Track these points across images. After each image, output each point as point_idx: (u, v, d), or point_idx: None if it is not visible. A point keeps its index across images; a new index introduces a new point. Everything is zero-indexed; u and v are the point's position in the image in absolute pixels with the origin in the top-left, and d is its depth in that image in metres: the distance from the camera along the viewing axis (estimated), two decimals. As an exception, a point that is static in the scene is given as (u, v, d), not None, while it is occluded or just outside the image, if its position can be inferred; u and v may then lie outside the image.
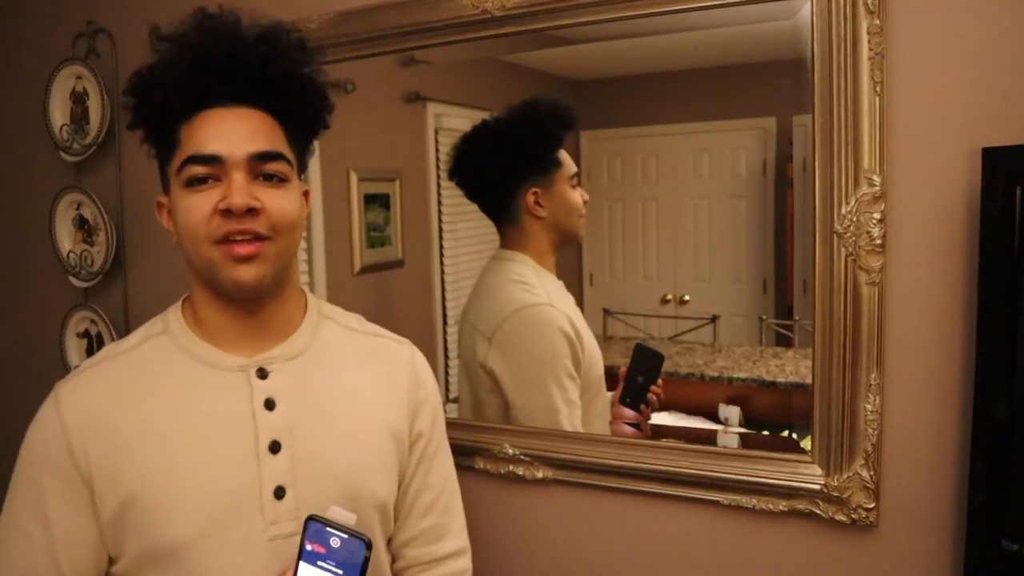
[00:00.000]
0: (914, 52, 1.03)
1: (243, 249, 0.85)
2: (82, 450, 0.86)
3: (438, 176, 1.44)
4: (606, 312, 1.36)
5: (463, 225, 1.45)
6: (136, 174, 1.72)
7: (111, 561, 0.90)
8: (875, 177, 1.04)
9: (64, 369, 1.81)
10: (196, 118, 0.88)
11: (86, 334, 1.80)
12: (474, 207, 1.41)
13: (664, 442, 1.24)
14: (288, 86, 0.91)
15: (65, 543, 0.87)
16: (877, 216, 1.04)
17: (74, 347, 1.81)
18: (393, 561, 1.05)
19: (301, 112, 0.94)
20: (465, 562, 1.08)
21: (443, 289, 1.45)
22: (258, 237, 0.86)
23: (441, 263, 1.45)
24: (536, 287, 1.36)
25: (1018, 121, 0.98)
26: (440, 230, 1.45)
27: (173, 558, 0.86)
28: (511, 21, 1.26)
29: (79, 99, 1.73)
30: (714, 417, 1.24)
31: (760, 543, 1.18)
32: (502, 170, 1.37)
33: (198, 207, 0.86)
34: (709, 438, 1.23)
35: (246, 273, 0.86)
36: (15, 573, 0.87)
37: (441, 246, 1.45)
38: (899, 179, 1.05)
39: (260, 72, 0.89)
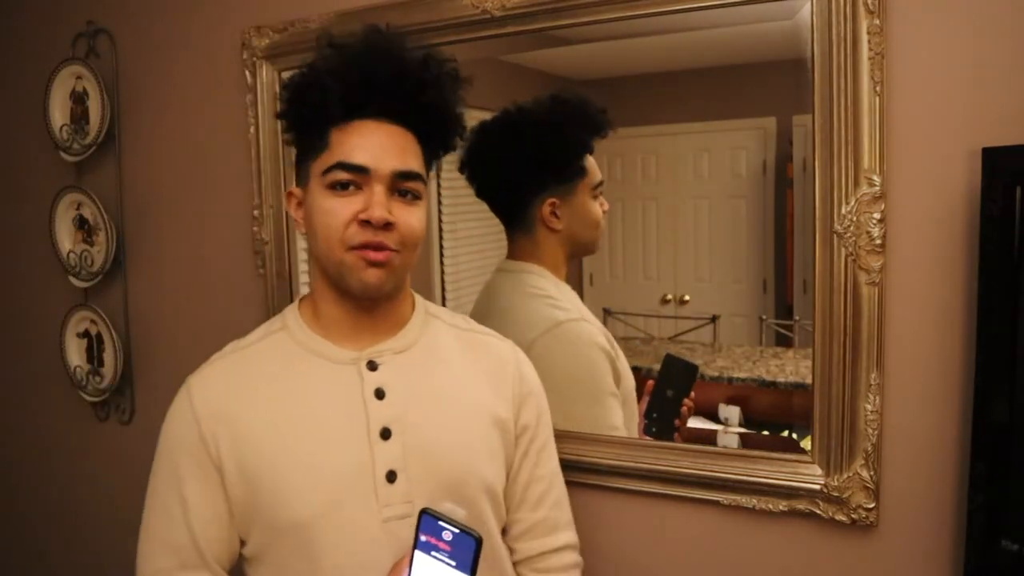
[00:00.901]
0: (914, 52, 1.03)
1: (375, 255, 0.91)
2: (212, 436, 0.94)
3: (438, 176, 1.44)
4: (606, 312, 1.36)
5: (463, 225, 1.45)
6: (136, 174, 1.72)
7: (241, 543, 0.98)
8: (875, 177, 1.04)
9: (64, 369, 1.81)
10: (349, 126, 0.94)
11: (86, 334, 1.80)
12: (474, 207, 1.40)
13: (664, 442, 1.24)
14: (437, 113, 0.97)
15: (201, 522, 0.94)
16: (877, 216, 1.04)
17: (74, 347, 1.81)
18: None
19: (440, 135, 1.00)
20: (576, 557, 1.13)
21: (443, 289, 1.45)
22: (388, 248, 0.92)
23: (441, 263, 1.45)
24: (562, 301, 1.30)
25: (1018, 121, 0.98)
26: (440, 230, 1.45)
27: (296, 537, 0.92)
28: (511, 21, 1.26)
29: (79, 99, 1.72)
30: (714, 417, 1.24)
31: (760, 543, 1.18)
32: (520, 174, 1.30)
33: (339, 212, 0.92)
34: (709, 438, 1.23)
35: (374, 277, 0.92)
36: (159, 546, 0.96)
37: (441, 246, 1.45)
38: (899, 179, 1.05)
39: (418, 96, 0.94)
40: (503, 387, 1.05)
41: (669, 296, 1.32)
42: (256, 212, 1.53)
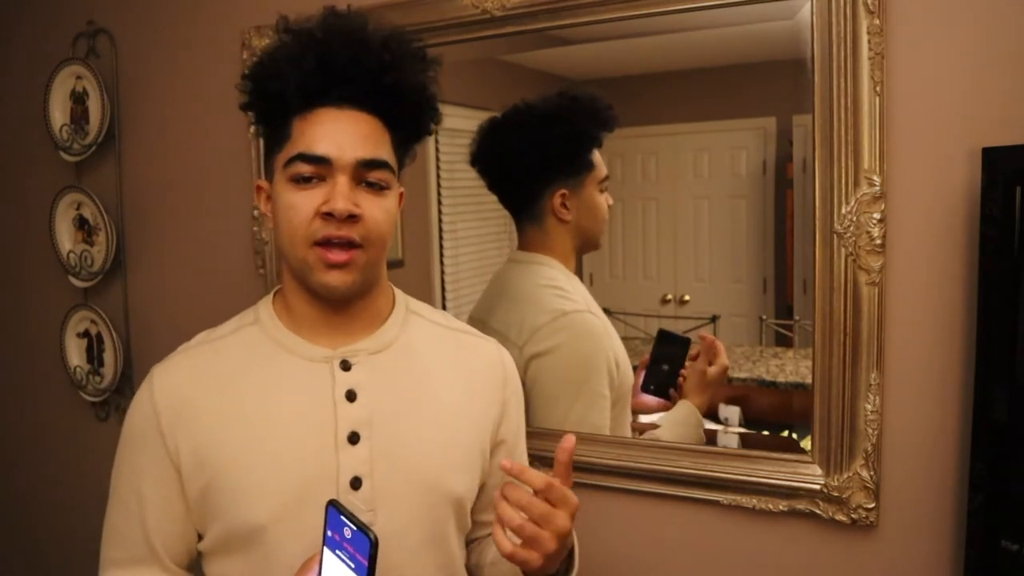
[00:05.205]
0: (914, 52, 1.03)
1: (336, 256, 0.87)
2: (171, 430, 0.91)
3: (438, 176, 1.44)
4: (606, 312, 1.36)
5: (463, 225, 1.45)
6: (136, 174, 1.72)
7: (199, 537, 0.95)
8: (875, 177, 1.04)
9: (64, 369, 1.81)
10: (310, 115, 0.89)
11: (86, 334, 1.80)
12: (474, 207, 1.40)
13: (664, 442, 1.24)
14: (403, 95, 0.92)
15: (156, 517, 0.92)
16: (877, 216, 1.04)
17: (74, 347, 1.81)
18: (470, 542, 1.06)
19: (411, 120, 0.95)
20: None
21: (443, 289, 1.45)
22: (352, 244, 0.87)
23: (441, 263, 1.45)
24: (571, 292, 1.32)
25: (1018, 121, 0.98)
26: (440, 230, 1.45)
27: (250, 540, 0.89)
28: (511, 21, 1.26)
29: (79, 99, 1.72)
30: (714, 417, 1.24)
31: (760, 543, 1.18)
32: (531, 167, 1.32)
33: (301, 206, 0.87)
34: (709, 438, 1.23)
35: (336, 279, 0.88)
36: (116, 539, 0.94)
37: (441, 246, 1.45)
38: (899, 179, 1.05)
39: (379, 79, 0.89)
40: (488, 392, 1.01)
41: (669, 296, 1.32)
42: (256, 212, 1.53)
